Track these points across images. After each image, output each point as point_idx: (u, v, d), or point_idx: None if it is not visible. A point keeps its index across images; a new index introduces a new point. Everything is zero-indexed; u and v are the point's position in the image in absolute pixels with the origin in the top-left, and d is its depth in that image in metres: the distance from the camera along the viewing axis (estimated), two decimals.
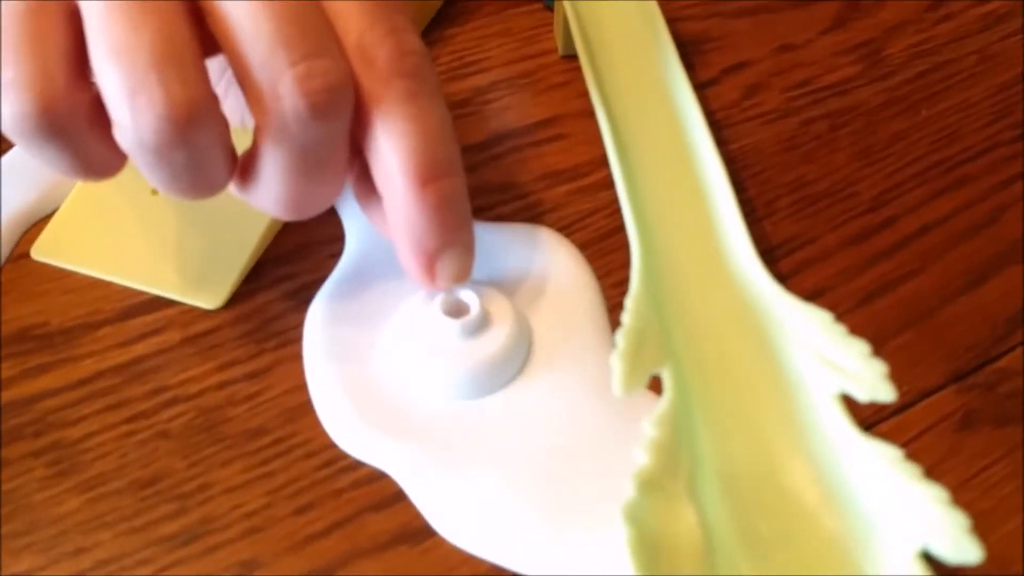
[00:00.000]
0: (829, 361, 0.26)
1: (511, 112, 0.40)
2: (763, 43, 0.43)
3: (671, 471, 0.24)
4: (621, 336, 0.26)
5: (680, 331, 0.28)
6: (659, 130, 0.34)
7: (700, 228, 0.31)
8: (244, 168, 0.27)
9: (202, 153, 0.24)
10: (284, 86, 0.23)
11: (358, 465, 0.30)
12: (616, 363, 0.25)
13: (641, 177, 0.33)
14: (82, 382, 0.32)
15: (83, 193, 0.36)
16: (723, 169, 0.32)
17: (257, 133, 0.25)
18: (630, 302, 0.27)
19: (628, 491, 0.23)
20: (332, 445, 0.30)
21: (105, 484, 0.30)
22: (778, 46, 0.43)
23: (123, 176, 0.36)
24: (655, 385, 0.27)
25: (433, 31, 0.44)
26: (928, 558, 0.23)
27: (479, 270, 0.33)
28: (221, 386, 0.32)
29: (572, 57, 0.42)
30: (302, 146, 0.25)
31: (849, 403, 0.26)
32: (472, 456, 0.29)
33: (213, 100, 0.24)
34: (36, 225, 0.36)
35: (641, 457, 0.24)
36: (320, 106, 0.24)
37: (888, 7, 0.44)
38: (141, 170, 0.25)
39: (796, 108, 0.40)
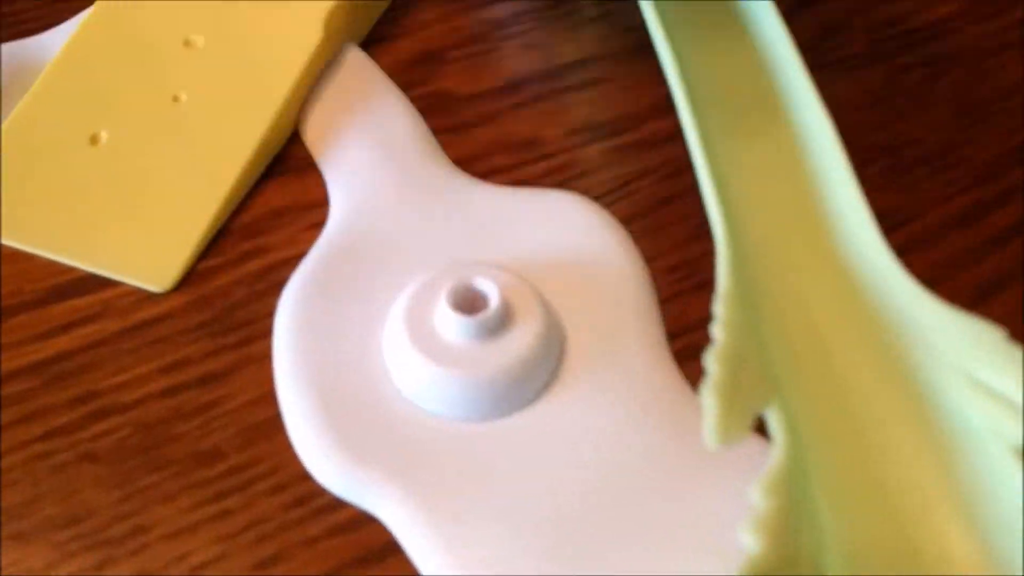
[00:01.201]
0: (1002, 398, 0.19)
1: (536, 51, 0.33)
2: None
3: (790, 559, 0.17)
4: (714, 359, 0.19)
5: (782, 351, 0.21)
6: (739, 69, 0.27)
7: (800, 203, 0.24)
8: None
9: None
10: None
11: (339, 504, 0.23)
12: (710, 400, 0.18)
13: (716, 132, 0.26)
14: None
15: (1, 142, 0.29)
16: (831, 125, 0.25)
17: None
18: (721, 308, 0.20)
19: None
20: (306, 477, 0.24)
21: (11, 522, 0.23)
22: None
23: (55, 123, 0.30)
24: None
25: None
26: None
27: (496, 249, 0.27)
28: (166, 393, 0.25)
29: None
30: None
31: None
32: (486, 497, 0.22)
33: None
34: None
35: (751, 540, 0.17)
36: None
37: None
38: None
39: (885, 52, 0.33)
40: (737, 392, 0.19)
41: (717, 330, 0.20)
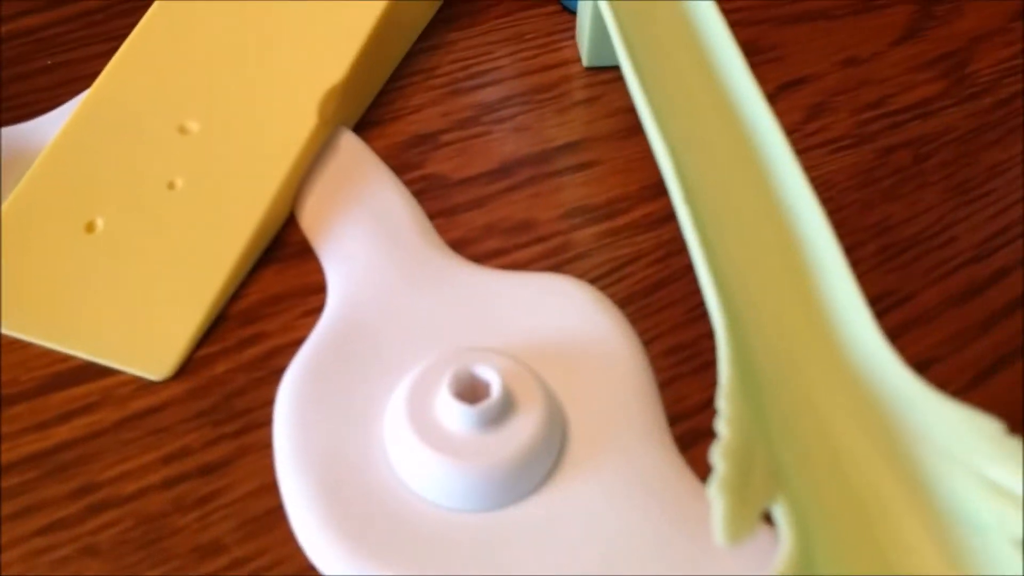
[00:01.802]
0: (1004, 492, 0.19)
1: (527, 134, 0.33)
2: (824, 55, 0.36)
3: None
4: (720, 456, 0.19)
5: (785, 442, 0.21)
6: (730, 158, 0.28)
7: (797, 292, 0.24)
8: None
9: None
10: None
11: None
12: (718, 497, 0.18)
13: (709, 217, 0.26)
14: None
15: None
16: (821, 211, 0.25)
17: None
18: (725, 405, 0.20)
19: None
20: (310, 568, 0.23)
21: None
22: (842, 59, 0.36)
23: (50, 210, 0.30)
24: None
25: (432, 36, 0.37)
26: None
27: (495, 333, 0.27)
28: (167, 484, 0.25)
29: (599, 69, 0.35)
30: None
31: None
32: None
33: None
34: None
35: None
36: None
37: (968, 15, 0.38)
38: None
39: (871, 134, 0.33)
40: (745, 488, 0.19)
41: (722, 426, 0.20)
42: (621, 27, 0.30)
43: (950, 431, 0.21)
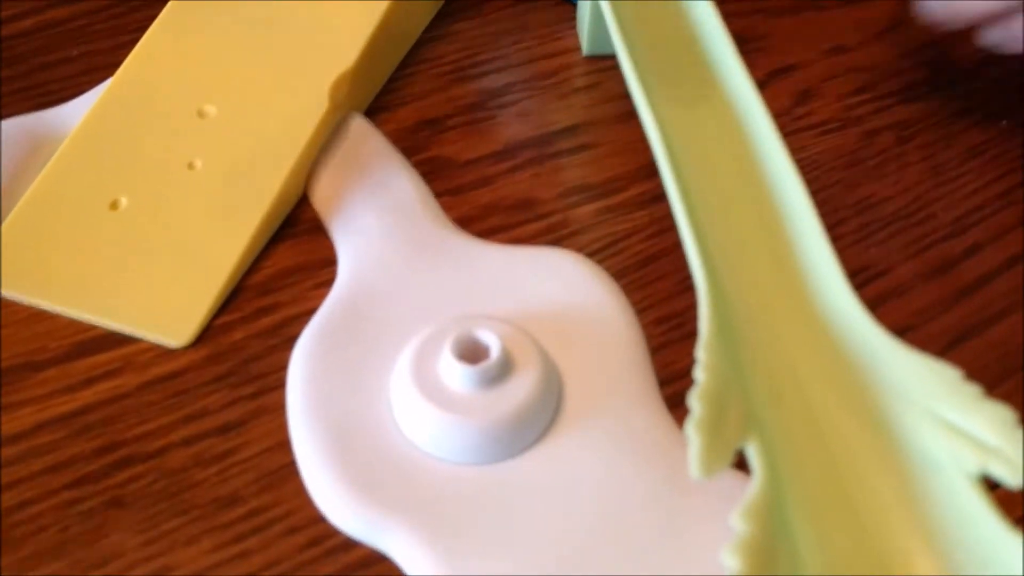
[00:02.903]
0: (961, 432, 0.21)
1: (529, 118, 0.35)
2: (812, 44, 0.38)
3: None
4: (697, 399, 0.21)
5: (761, 392, 0.23)
6: (718, 139, 0.29)
7: (777, 259, 0.26)
8: None
9: None
10: None
11: (352, 544, 0.25)
12: (694, 435, 0.20)
13: (697, 194, 0.27)
14: (18, 436, 0.26)
15: (26, 208, 0.31)
16: (802, 184, 0.27)
17: None
18: (703, 354, 0.22)
19: None
20: (321, 519, 0.25)
21: (41, 566, 0.24)
22: (829, 48, 0.38)
23: (77, 189, 0.31)
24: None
25: (439, 26, 0.39)
26: None
27: (496, 303, 0.28)
28: (187, 443, 0.26)
29: (598, 57, 0.37)
30: None
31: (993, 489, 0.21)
32: (490, 535, 0.24)
33: None
34: None
35: (732, 562, 0.18)
36: None
37: None
38: None
39: (856, 118, 0.35)
40: (719, 428, 0.20)
41: (700, 373, 0.21)
42: (618, 19, 0.32)
43: (912, 378, 0.22)
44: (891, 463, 0.22)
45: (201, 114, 0.33)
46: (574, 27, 0.38)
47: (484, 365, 0.25)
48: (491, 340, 0.26)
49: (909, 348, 0.23)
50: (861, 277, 0.30)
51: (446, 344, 0.25)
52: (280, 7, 0.35)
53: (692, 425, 0.20)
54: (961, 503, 0.21)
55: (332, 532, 0.25)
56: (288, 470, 0.26)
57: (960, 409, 0.21)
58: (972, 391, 0.21)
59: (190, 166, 0.32)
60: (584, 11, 0.36)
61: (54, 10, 0.39)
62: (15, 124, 0.33)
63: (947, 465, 0.21)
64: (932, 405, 0.22)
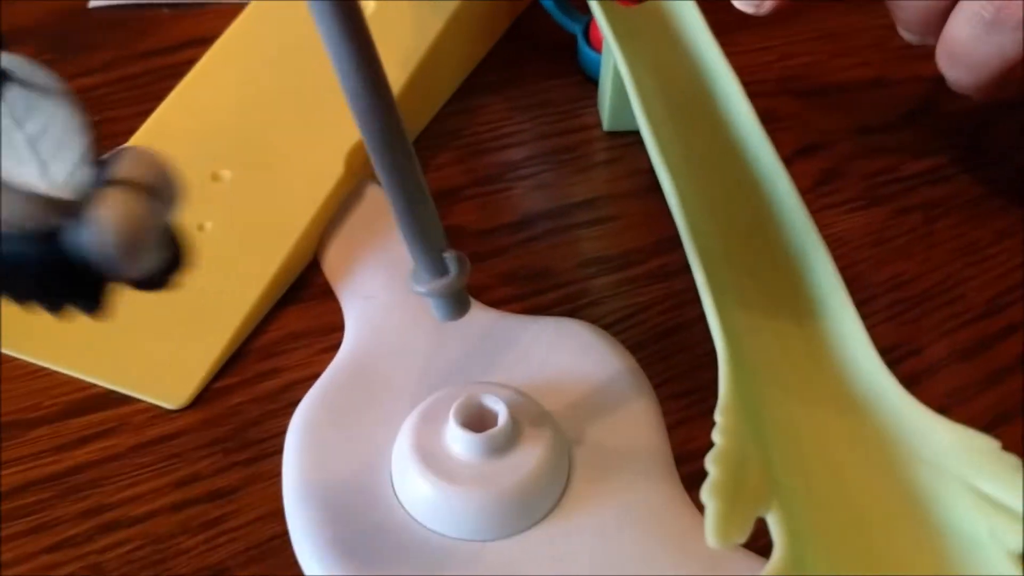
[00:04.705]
0: (1000, 505, 0.19)
1: (548, 191, 0.34)
2: (839, 124, 0.37)
3: None
4: (713, 461, 0.19)
5: (783, 460, 0.22)
6: (741, 210, 0.28)
7: (801, 326, 0.25)
8: None
9: None
10: None
11: None
12: (710, 499, 0.18)
13: (721, 264, 0.26)
14: (3, 496, 0.25)
15: None
16: (828, 254, 0.26)
17: None
18: (720, 416, 0.21)
19: None
20: None
21: None
22: (856, 128, 0.37)
23: None
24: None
25: (463, 100, 0.38)
26: None
27: (507, 372, 0.27)
28: (176, 508, 0.25)
29: (618, 134, 0.36)
30: None
31: None
32: None
33: None
34: None
35: None
36: None
37: None
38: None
39: (884, 196, 0.34)
40: (737, 493, 0.19)
41: (717, 435, 0.20)
42: (641, 94, 0.31)
43: (946, 448, 0.21)
44: (926, 537, 0.20)
45: (216, 178, 0.33)
46: (595, 104, 0.38)
47: (490, 433, 0.24)
48: (498, 407, 0.24)
49: (945, 419, 0.21)
50: (893, 355, 0.28)
51: (450, 410, 0.24)
52: (299, 74, 0.35)
53: (708, 489, 0.19)
54: None
55: None
56: (280, 541, 0.24)
57: (998, 480, 0.19)
58: (1012, 462, 0.20)
59: (200, 228, 0.31)
60: (605, 88, 0.36)
61: (84, 78, 0.40)
62: None
63: (985, 541, 0.19)
64: (969, 477, 0.20)
